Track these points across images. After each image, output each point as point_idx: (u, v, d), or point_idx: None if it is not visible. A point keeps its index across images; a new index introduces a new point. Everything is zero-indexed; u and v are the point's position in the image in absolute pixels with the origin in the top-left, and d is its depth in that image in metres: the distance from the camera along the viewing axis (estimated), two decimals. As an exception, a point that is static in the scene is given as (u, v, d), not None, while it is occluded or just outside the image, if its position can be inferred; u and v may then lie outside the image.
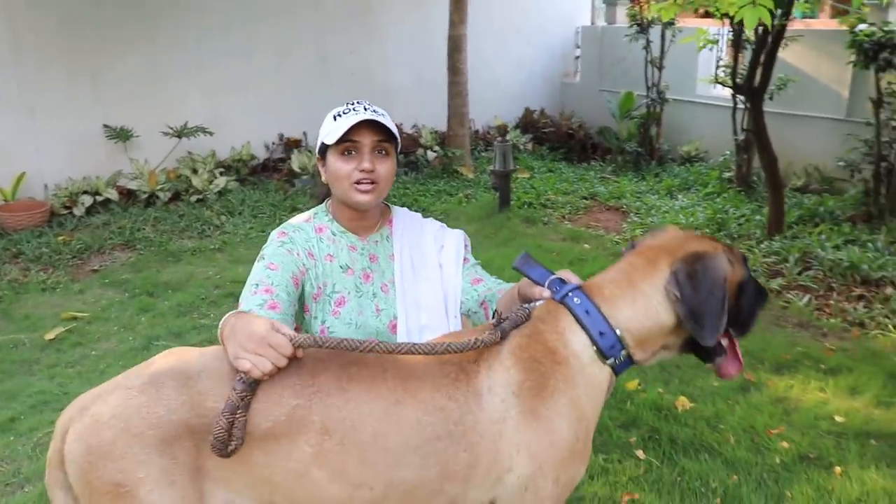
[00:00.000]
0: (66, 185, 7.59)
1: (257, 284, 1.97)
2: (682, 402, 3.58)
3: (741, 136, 7.51)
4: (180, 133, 8.16)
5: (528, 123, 10.67)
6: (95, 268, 6.00)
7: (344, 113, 2.06)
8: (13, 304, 5.22)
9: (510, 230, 6.79)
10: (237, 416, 1.49)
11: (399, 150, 2.16)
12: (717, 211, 6.77)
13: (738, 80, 6.80)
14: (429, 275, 2.16)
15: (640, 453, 3.19)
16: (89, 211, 7.40)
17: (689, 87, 9.16)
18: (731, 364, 1.78)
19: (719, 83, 7.87)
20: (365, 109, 2.05)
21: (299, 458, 1.54)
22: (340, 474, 1.55)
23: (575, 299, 1.66)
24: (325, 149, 2.10)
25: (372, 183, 2.06)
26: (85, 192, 7.57)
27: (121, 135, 7.96)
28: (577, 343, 1.65)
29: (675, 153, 9.23)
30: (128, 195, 7.81)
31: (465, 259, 2.21)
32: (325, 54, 9.28)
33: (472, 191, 8.19)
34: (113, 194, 7.64)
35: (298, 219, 2.23)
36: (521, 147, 9.96)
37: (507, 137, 7.34)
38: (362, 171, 2.05)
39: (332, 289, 2.12)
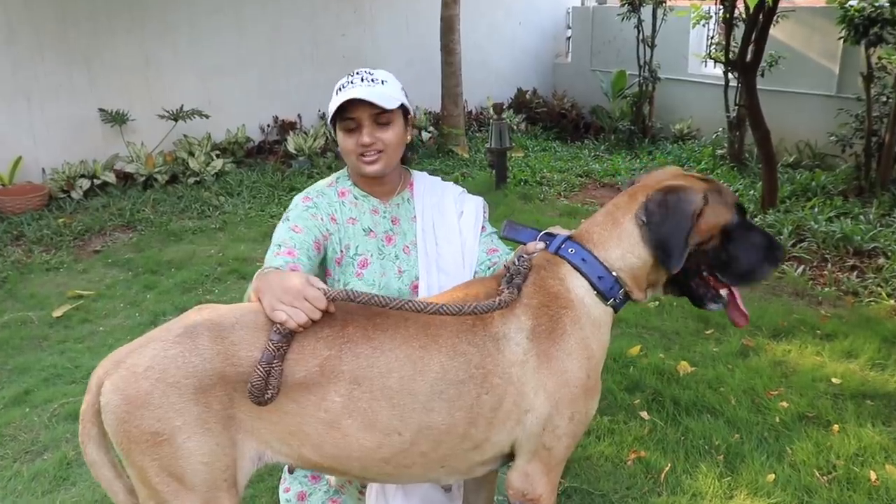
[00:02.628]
0: (63, 169, 7.59)
1: (280, 245, 2.02)
2: (684, 367, 3.68)
3: (733, 113, 7.60)
4: (176, 116, 8.17)
5: (520, 104, 10.73)
6: (97, 248, 6.04)
7: (343, 87, 2.08)
8: (18, 284, 5.26)
9: (507, 207, 6.86)
10: (273, 365, 1.54)
11: (409, 111, 2.18)
12: (711, 186, 6.85)
13: (730, 57, 6.88)
14: (449, 238, 2.20)
15: (644, 414, 3.29)
16: (87, 194, 7.41)
17: (680, 66, 9.23)
18: (736, 314, 1.84)
19: (712, 59, 7.95)
20: (362, 80, 2.07)
21: (329, 408, 1.59)
22: (370, 423, 1.60)
23: (570, 250, 1.77)
24: (334, 123, 2.15)
25: (377, 152, 2.10)
26: (82, 176, 7.57)
27: (116, 118, 7.97)
28: (579, 288, 1.74)
29: (667, 131, 9.32)
30: (125, 178, 7.83)
31: (482, 227, 2.24)
32: (316, 38, 9.29)
33: (467, 169, 8.26)
34: (110, 177, 7.65)
35: (321, 184, 2.28)
36: (515, 127, 10.01)
37: (503, 116, 7.39)
38: (362, 145, 2.08)
39: (354, 251, 2.17)
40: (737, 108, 7.48)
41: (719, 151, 8.04)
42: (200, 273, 5.36)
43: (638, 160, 8.39)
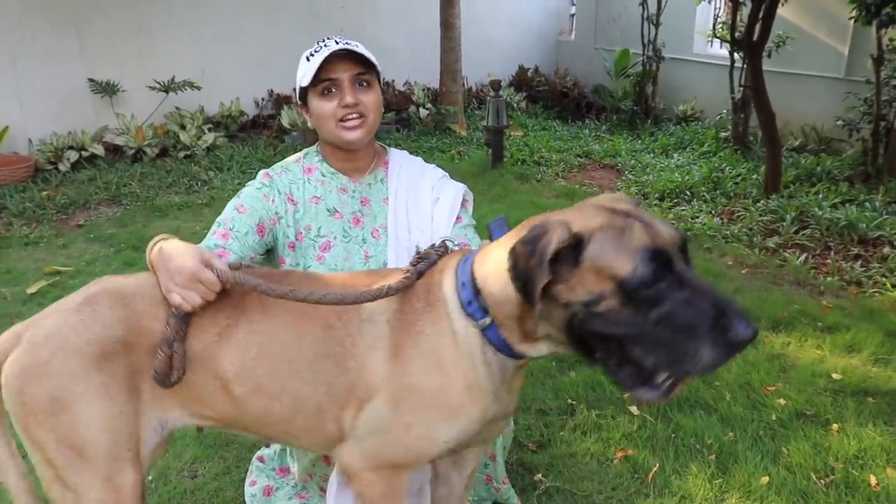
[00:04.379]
0: (50, 140, 7.42)
1: (219, 224, 1.96)
2: (677, 359, 3.52)
3: (738, 95, 7.39)
4: (167, 88, 7.98)
5: (521, 81, 10.52)
6: (80, 223, 5.88)
7: (315, 52, 1.94)
8: (-5, 259, 5.11)
9: (503, 187, 6.68)
10: (174, 349, 1.53)
11: (381, 80, 2.04)
12: (713, 170, 6.67)
13: (736, 36, 6.67)
14: (421, 225, 2.05)
15: (634, 409, 3.13)
16: (75, 166, 7.25)
17: (686, 45, 9.00)
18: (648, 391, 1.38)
19: (718, 38, 7.73)
20: (336, 43, 1.93)
21: (225, 375, 1.57)
22: (258, 387, 1.58)
23: (474, 248, 1.62)
24: (305, 93, 2.00)
25: (360, 117, 1.96)
26: (70, 148, 7.41)
27: (107, 89, 7.78)
28: (448, 288, 1.54)
29: (670, 112, 9.11)
30: (114, 151, 7.66)
31: (458, 218, 2.08)
32: (315, 9, 9.07)
33: (464, 148, 8.07)
34: (99, 150, 7.48)
35: (289, 159, 2.15)
36: (515, 105, 9.82)
37: (501, 94, 7.20)
38: (346, 106, 1.94)
39: (316, 233, 2.03)
40: (742, 89, 7.27)
41: (723, 134, 7.84)
42: (183, 250, 5.19)
43: (640, 141, 8.19)
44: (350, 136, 1.97)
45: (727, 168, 6.76)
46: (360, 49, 1.93)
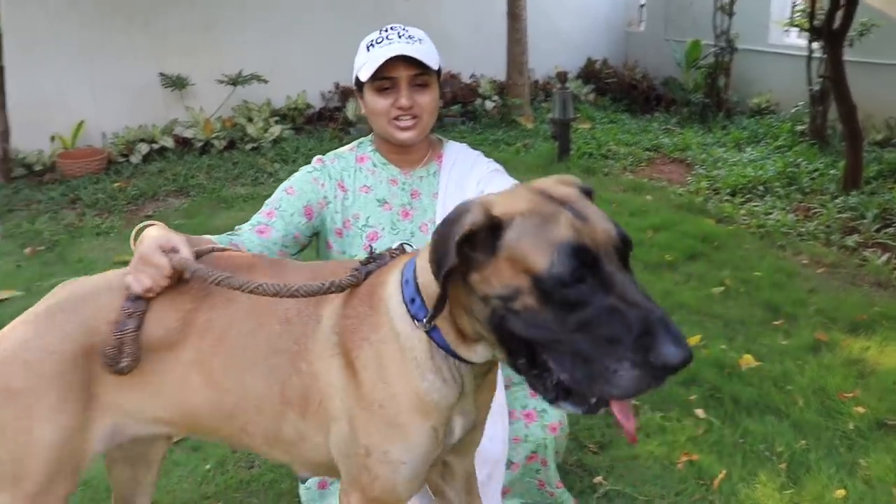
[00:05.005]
0: (123, 133, 7.61)
1: (267, 204, 1.95)
2: (747, 361, 3.37)
3: (816, 87, 7.08)
4: (235, 81, 8.09)
5: (589, 74, 10.33)
6: (149, 213, 6.00)
7: (377, 42, 1.88)
8: (68, 248, 5.25)
9: (554, 181, 6.54)
10: (126, 332, 1.45)
11: (441, 76, 1.98)
12: (788, 164, 6.41)
13: (815, 24, 6.38)
14: None
15: (699, 412, 3.00)
16: (145, 159, 7.42)
17: (760, 35, 8.68)
18: (622, 419, 1.19)
19: (795, 27, 7.43)
20: (399, 37, 1.87)
21: (184, 362, 1.49)
22: (210, 377, 1.49)
23: (410, 264, 1.39)
24: (361, 83, 1.94)
25: (413, 118, 1.91)
26: (141, 141, 7.59)
27: (177, 83, 7.94)
28: (391, 287, 1.39)
29: (744, 105, 8.80)
30: (183, 143, 7.80)
31: None
32: (379, 1, 9.06)
33: (530, 140, 7.95)
34: (169, 142, 7.64)
35: (344, 147, 2.11)
36: (583, 98, 9.65)
37: (568, 86, 7.06)
38: (400, 108, 1.89)
39: (364, 222, 1.98)
40: (820, 80, 6.96)
41: (799, 127, 7.53)
42: (246, 242, 5.25)
43: (711, 135, 7.93)
44: (402, 136, 1.93)
45: (803, 163, 6.48)
46: (422, 50, 1.86)
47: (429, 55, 1.88)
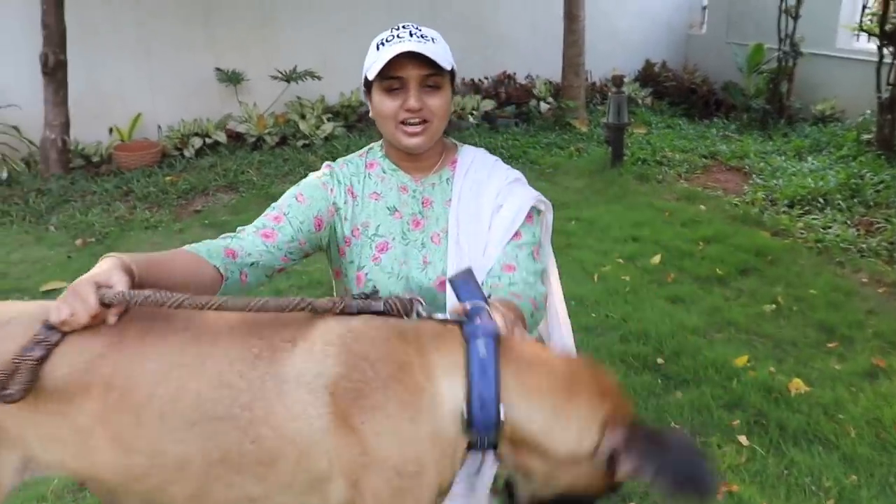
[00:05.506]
0: (178, 126, 7.72)
1: (274, 207, 1.82)
2: (796, 385, 3.21)
3: (886, 94, 6.79)
4: (289, 77, 8.13)
5: (647, 76, 10.12)
6: (198, 208, 6.05)
7: (387, 41, 1.75)
8: (118, 241, 5.32)
9: (621, 187, 6.41)
10: (26, 358, 1.31)
11: (455, 78, 1.84)
12: (852, 175, 6.15)
13: (886, 28, 6.11)
14: (476, 233, 1.84)
15: (743, 439, 2.87)
16: (198, 153, 7.50)
17: (827, 39, 8.37)
18: None
19: (865, 31, 7.13)
20: (411, 35, 1.74)
21: (86, 413, 1.34)
22: (117, 436, 1.34)
23: (481, 345, 1.27)
24: (369, 83, 1.82)
25: (422, 122, 1.78)
26: (196, 135, 7.68)
27: (232, 78, 8.01)
28: (447, 388, 1.27)
29: (806, 112, 8.50)
30: (236, 138, 7.87)
31: (517, 234, 1.82)
32: (434, 0, 9.02)
33: (584, 144, 7.81)
34: (222, 137, 7.72)
35: (354, 153, 2.00)
36: (640, 101, 9.46)
37: (624, 89, 6.91)
38: (408, 110, 1.76)
39: (374, 231, 1.87)
40: (890, 87, 6.67)
41: (865, 136, 7.23)
42: (291, 240, 5.25)
43: (771, 142, 7.68)
44: (408, 141, 1.79)
45: (868, 174, 6.21)
46: (434, 50, 1.74)
47: (441, 55, 1.75)
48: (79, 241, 5.28)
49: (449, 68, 1.77)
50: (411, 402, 1.24)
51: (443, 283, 1.81)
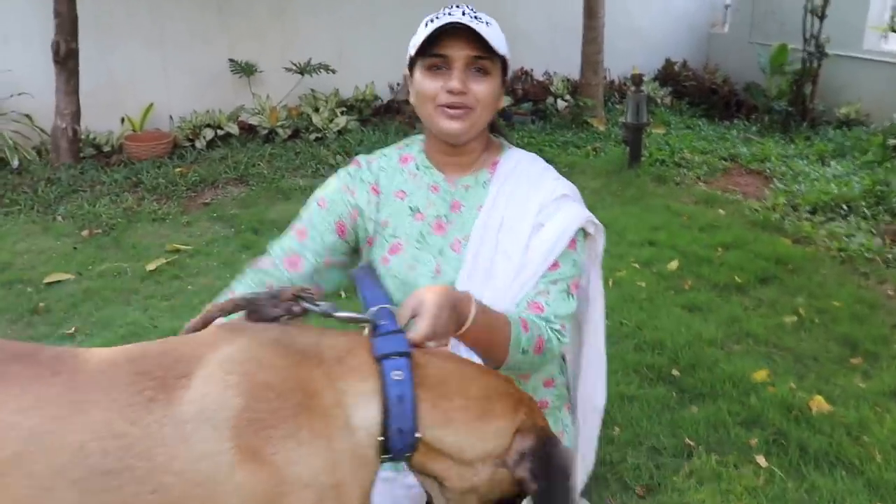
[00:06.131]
0: (190, 117, 7.63)
1: (300, 217, 1.73)
2: (818, 403, 3.07)
3: (913, 99, 6.60)
4: (303, 70, 8.03)
5: (667, 76, 9.94)
6: (207, 201, 5.96)
7: (437, 18, 1.61)
8: (125, 233, 5.24)
9: (638, 188, 6.27)
10: None
11: (507, 71, 1.69)
12: (877, 182, 5.97)
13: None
14: (510, 250, 1.66)
15: (761, 459, 2.74)
16: (210, 144, 7.41)
17: (854, 40, 8.17)
18: None
19: (893, 32, 6.94)
20: (463, 14, 1.59)
21: None
22: None
23: (395, 373, 1.21)
24: (413, 62, 1.67)
25: (465, 108, 1.61)
26: (208, 126, 7.59)
27: (245, 69, 7.92)
28: (362, 414, 1.20)
29: (830, 115, 8.30)
30: (248, 130, 7.78)
31: (555, 264, 1.63)
32: (454, -7, 8.88)
33: (601, 144, 7.66)
34: (234, 129, 7.63)
35: (394, 144, 1.87)
36: (659, 101, 9.29)
37: (643, 88, 6.75)
38: (450, 91, 1.60)
39: (392, 231, 1.73)
40: (918, 93, 6.49)
41: (892, 141, 7.00)
42: (299, 236, 5.15)
43: (793, 146, 7.50)
44: (447, 125, 1.63)
45: (894, 181, 6.04)
46: (486, 29, 1.58)
47: (494, 37, 1.60)
48: (85, 232, 5.20)
49: (501, 53, 1.62)
50: (323, 429, 1.16)
51: None
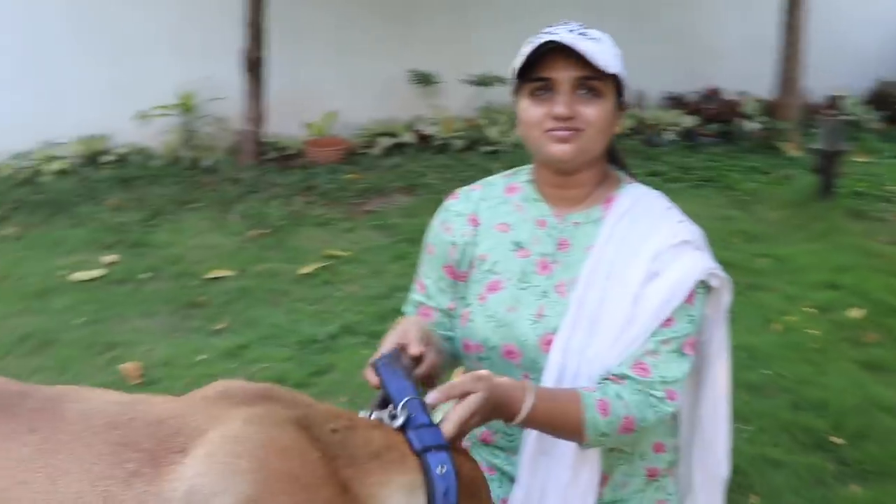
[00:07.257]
0: (368, 125, 7.86)
1: (417, 271, 1.70)
2: None
3: None
4: (481, 82, 8.03)
5: (881, 98, 9.00)
6: (372, 209, 6.09)
7: (538, 37, 1.47)
8: (289, 235, 5.45)
9: (828, 223, 5.66)
10: None
11: (622, 89, 1.51)
12: None
13: None
14: (617, 298, 1.46)
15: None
16: (385, 153, 7.59)
17: None
18: None
19: None
20: (569, 32, 1.45)
21: None
22: None
23: (441, 467, 1.11)
24: (518, 86, 1.54)
25: (574, 130, 1.44)
26: (384, 134, 7.78)
27: (424, 80, 8.05)
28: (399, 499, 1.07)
29: None
30: (424, 140, 7.90)
31: (668, 320, 1.43)
32: (638, 8, 8.54)
33: (791, 171, 7.04)
34: (409, 138, 7.78)
35: (498, 175, 1.73)
36: (867, 125, 8.43)
37: (850, 111, 6.11)
38: (556, 118, 1.44)
39: (490, 266, 1.58)
40: None
41: None
42: (451, 250, 5.12)
43: None
44: (555, 149, 1.46)
45: None
46: (592, 47, 1.42)
47: (602, 55, 1.43)
48: (252, 232, 5.46)
49: (612, 71, 1.45)
50: None
51: (549, 342, 1.48)
